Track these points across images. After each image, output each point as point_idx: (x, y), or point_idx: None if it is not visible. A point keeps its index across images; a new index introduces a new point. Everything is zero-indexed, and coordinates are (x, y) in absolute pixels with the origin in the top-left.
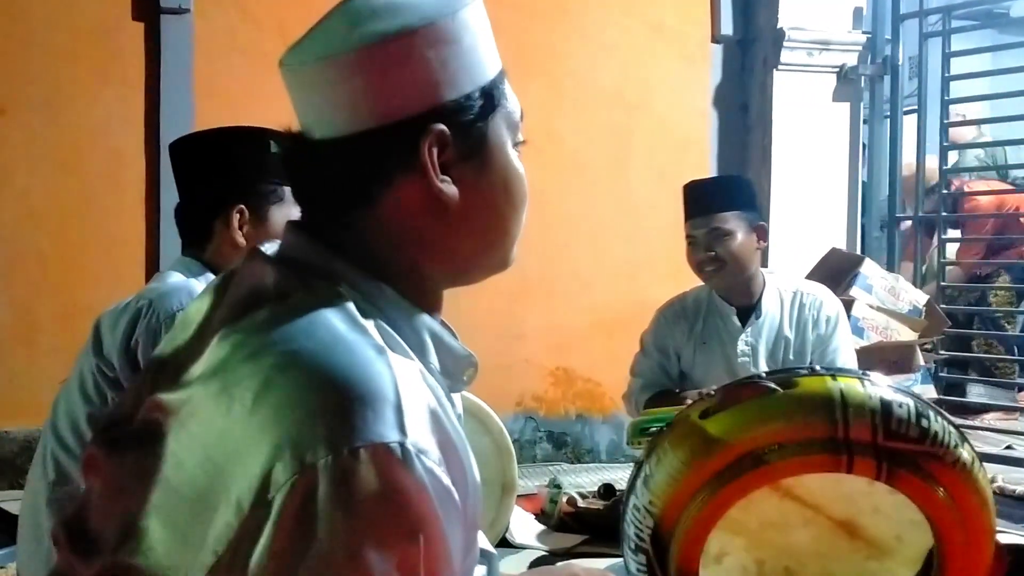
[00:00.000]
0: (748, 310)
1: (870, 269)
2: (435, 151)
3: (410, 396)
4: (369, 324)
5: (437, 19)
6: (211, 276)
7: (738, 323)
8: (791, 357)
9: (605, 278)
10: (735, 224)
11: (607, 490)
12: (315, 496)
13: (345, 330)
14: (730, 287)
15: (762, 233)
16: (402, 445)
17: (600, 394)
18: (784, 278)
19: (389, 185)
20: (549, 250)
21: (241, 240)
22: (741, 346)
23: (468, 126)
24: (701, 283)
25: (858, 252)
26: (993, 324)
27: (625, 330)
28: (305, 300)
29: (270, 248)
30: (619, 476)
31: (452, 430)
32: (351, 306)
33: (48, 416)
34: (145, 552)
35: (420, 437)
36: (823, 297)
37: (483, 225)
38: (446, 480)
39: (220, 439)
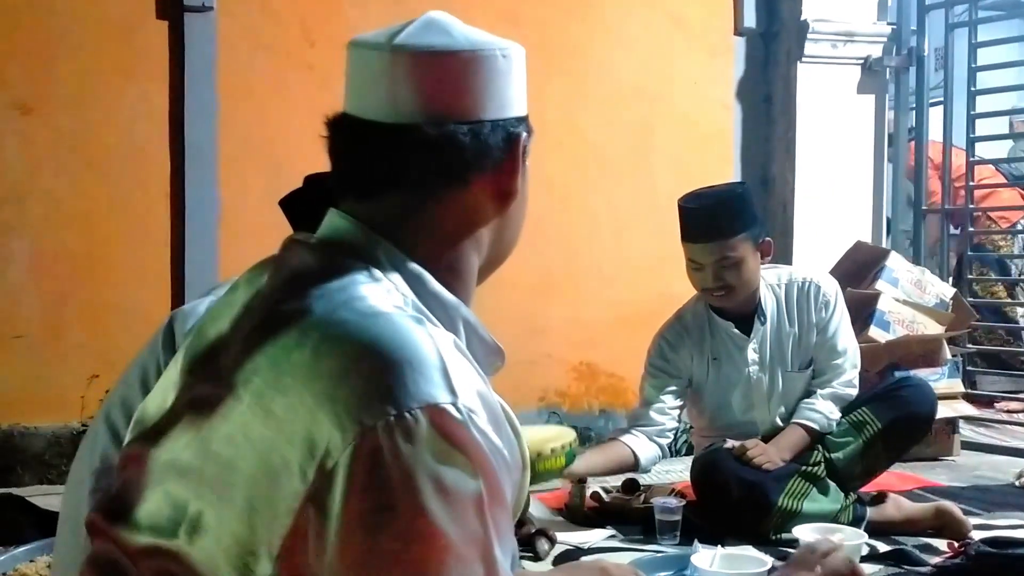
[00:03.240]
0: (749, 317)
1: (896, 262)
2: (521, 153)
3: (454, 362)
4: (407, 301)
5: (515, 48)
6: None
7: (741, 334)
8: (798, 349)
9: (628, 272)
10: (743, 249)
11: (631, 484)
12: (378, 459)
13: (384, 304)
14: (737, 306)
15: (767, 248)
16: (455, 405)
17: (623, 389)
18: (773, 271)
19: (480, 172)
20: (572, 245)
21: None
22: (751, 355)
23: (528, 140)
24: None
25: (883, 245)
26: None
27: (648, 325)
28: (345, 280)
29: (309, 236)
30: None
31: (495, 400)
32: (389, 285)
33: (101, 409)
34: (198, 533)
35: (469, 399)
36: (818, 280)
37: (515, 229)
38: (496, 440)
39: (272, 414)
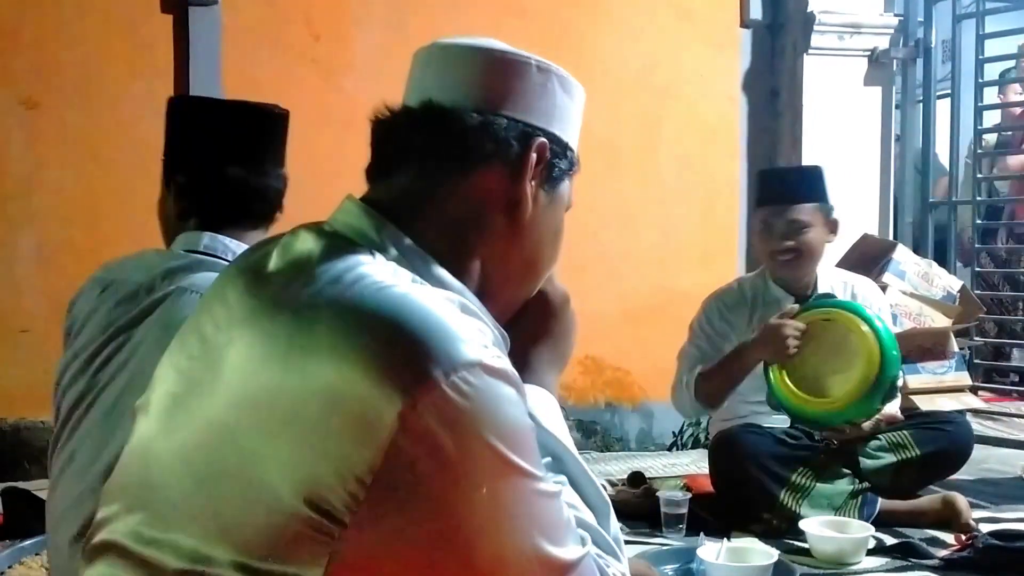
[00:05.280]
0: (804, 298)
1: (903, 255)
2: (534, 156)
3: (474, 325)
4: (412, 279)
5: (568, 77)
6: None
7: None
8: None
9: (634, 266)
10: (813, 216)
11: (636, 478)
12: (434, 418)
13: (391, 279)
14: (798, 278)
15: (834, 227)
16: (483, 363)
17: (629, 383)
18: (833, 269)
19: (485, 162)
20: (577, 238)
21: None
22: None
23: (557, 162)
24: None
25: (890, 238)
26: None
27: (654, 318)
28: (350, 261)
29: (319, 223)
30: (648, 464)
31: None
32: (393, 266)
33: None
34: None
35: (498, 358)
36: (873, 292)
37: (530, 252)
38: (527, 402)
39: (300, 394)
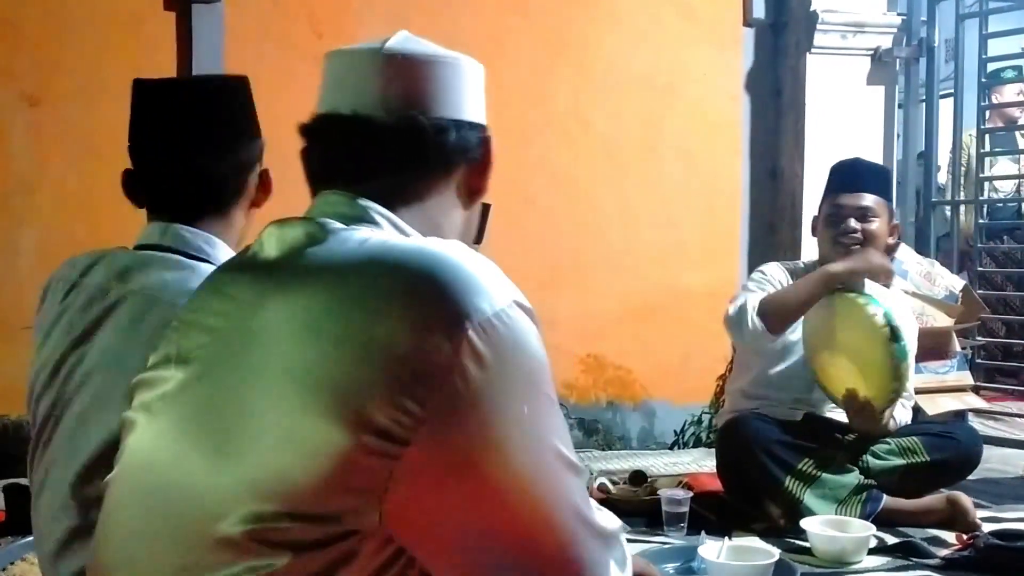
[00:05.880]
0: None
1: (905, 254)
2: (491, 153)
3: (496, 269)
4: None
5: (477, 64)
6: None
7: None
8: None
9: (636, 264)
10: (880, 208)
11: (638, 476)
12: (481, 350)
13: (409, 238)
14: None
15: (896, 230)
16: (516, 300)
17: (631, 381)
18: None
19: (458, 164)
20: (580, 236)
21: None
22: None
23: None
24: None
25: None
26: None
27: (656, 317)
28: (354, 232)
29: (292, 217)
30: (650, 463)
31: None
32: (394, 231)
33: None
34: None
35: (522, 296)
36: (903, 305)
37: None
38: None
39: (349, 355)
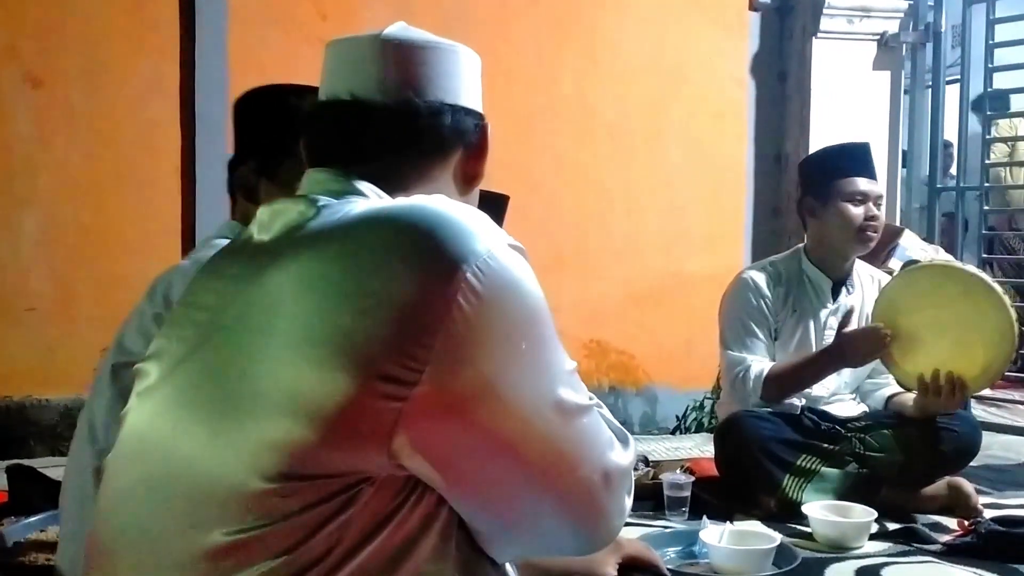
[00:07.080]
0: (838, 285)
1: (910, 240)
2: (488, 139)
3: (489, 220)
4: None
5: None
6: None
7: (830, 295)
8: None
9: (640, 250)
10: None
11: (640, 461)
12: (481, 292)
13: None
14: (857, 256)
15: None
16: (509, 242)
17: (634, 367)
18: (859, 262)
19: (454, 148)
20: (583, 221)
21: None
22: (828, 318)
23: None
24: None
25: (898, 223)
26: None
27: (659, 302)
28: (350, 203)
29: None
30: (652, 448)
31: None
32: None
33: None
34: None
35: (512, 239)
36: None
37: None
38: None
39: (360, 314)
